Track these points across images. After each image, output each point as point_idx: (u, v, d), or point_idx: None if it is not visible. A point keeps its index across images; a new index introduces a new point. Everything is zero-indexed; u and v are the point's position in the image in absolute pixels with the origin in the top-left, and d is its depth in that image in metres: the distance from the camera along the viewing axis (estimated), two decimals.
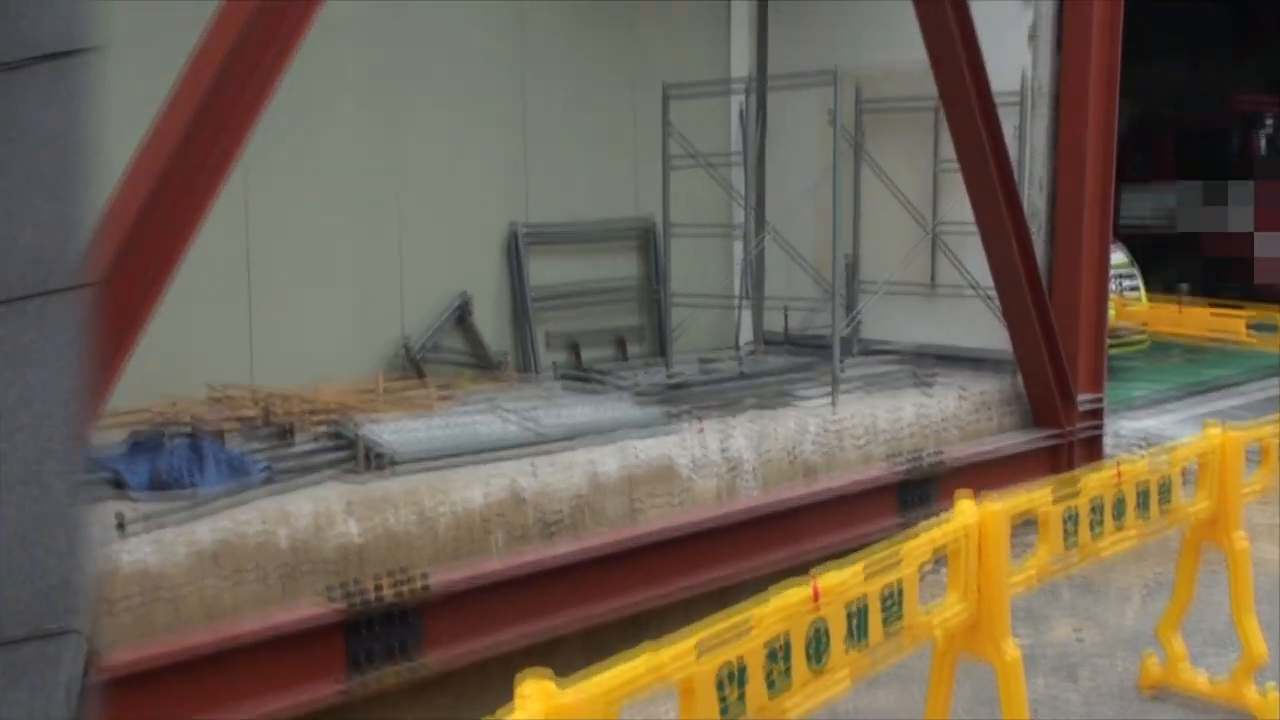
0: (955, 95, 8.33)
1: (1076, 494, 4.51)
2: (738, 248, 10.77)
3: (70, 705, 2.00)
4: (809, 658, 3.14)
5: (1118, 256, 12.57)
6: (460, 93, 9.21)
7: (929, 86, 8.64)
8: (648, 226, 10.39)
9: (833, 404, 8.60)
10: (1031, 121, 9.50)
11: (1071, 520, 4.47)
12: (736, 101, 10.65)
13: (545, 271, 9.78)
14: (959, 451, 8.61)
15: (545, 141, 9.76)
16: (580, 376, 9.31)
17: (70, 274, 2.51)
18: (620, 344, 10.27)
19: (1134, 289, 13.80)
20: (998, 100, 8.54)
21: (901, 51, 9.05)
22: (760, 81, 10.77)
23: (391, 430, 6.98)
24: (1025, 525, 4.41)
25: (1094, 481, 4.64)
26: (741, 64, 11.00)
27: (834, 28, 10.44)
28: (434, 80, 9.02)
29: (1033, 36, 9.48)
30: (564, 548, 6.42)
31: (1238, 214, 17.71)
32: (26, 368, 2.41)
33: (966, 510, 3.94)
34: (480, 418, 7.58)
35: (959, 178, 8.86)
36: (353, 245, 8.67)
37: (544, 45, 9.73)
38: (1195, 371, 13.61)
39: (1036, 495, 4.36)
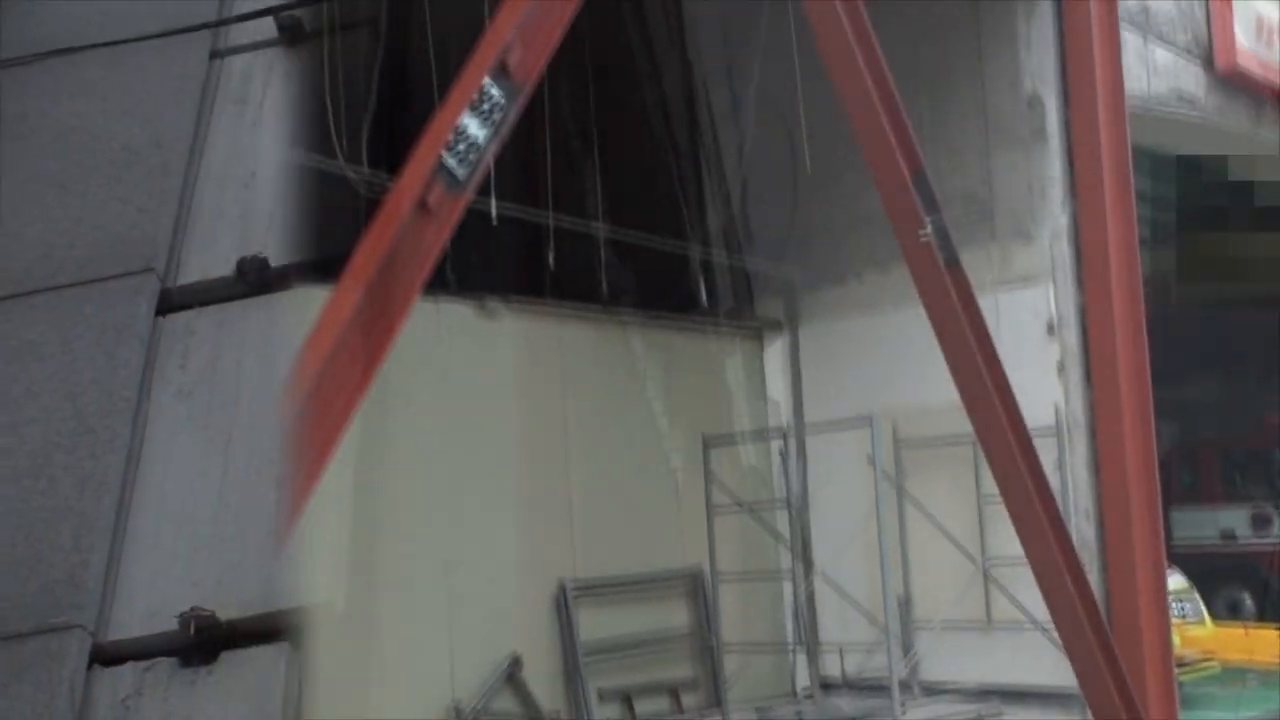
0: (991, 433, 8.43)
1: None
2: (788, 590, 10.69)
3: (74, 700, 1.89)
4: None
5: (1175, 580, 12.35)
6: (502, 459, 9.43)
7: (965, 423, 8.77)
8: (695, 574, 10.37)
9: None
10: (1070, 452, 9.58)
11: None
12: (776, 444, 10.83)
13: (595, 626, 9.71)
14: None
15: (589, 497, 9.90)
16: None
17: (77, 269, 2.44)
18: (674, 695, 10.05)
19: (1196, 614, 13.48)
20: (1034, 434, 8.64)
21: (934, 390, 9.23)
22: (798, 426, 10.99)
23: None
24: None
25: None
26: (778, 405, 11.26)
27: (866, 369, 10.71)
28: (474, 447, 9.25)
29: (1061, 370, 9.69)
30: None
31: None
32: (33, 361, 2.34)
33: None
34: None
35: (1004, 509, 8.85)
36: (400, 613, 8.67)
37: (584, 403, 10.03)
38: (1273, 697, 13.08)
39: None
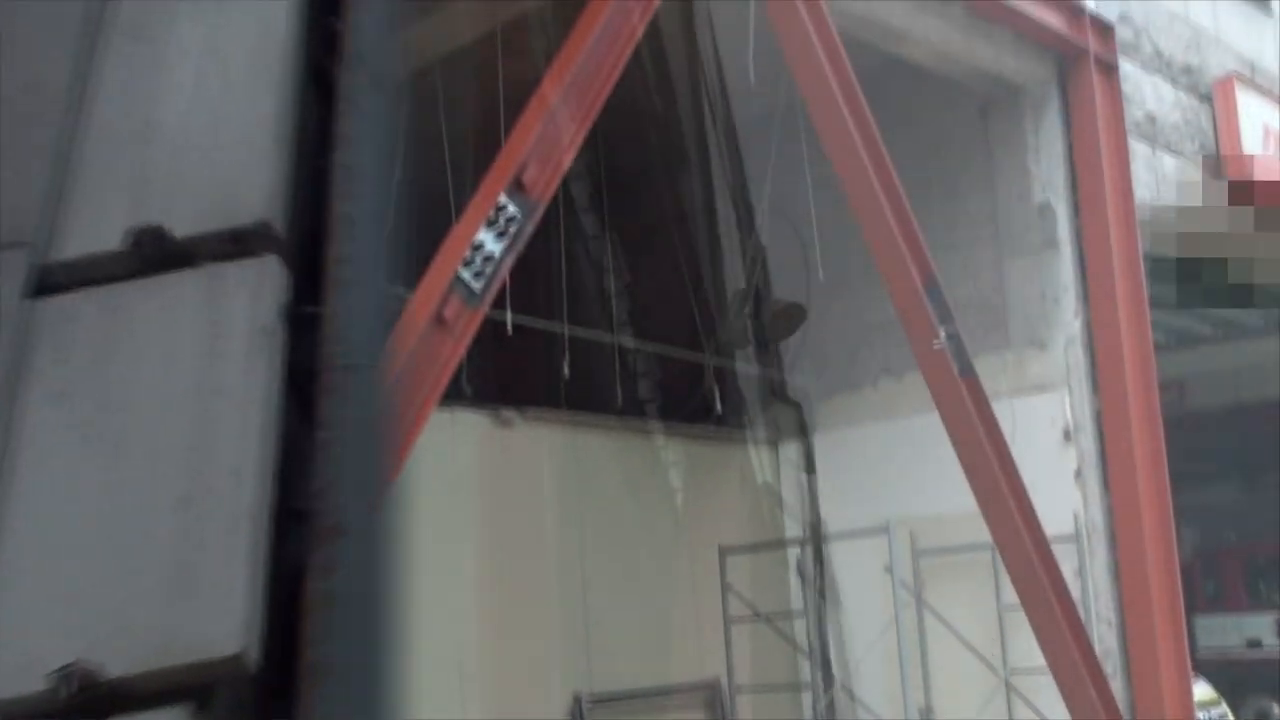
0: (1009, 541, 8.39)
1: None
2: (807, 701, 10.54)
3: None
4: None
5: (1201, 690, 12.13)
6: (517, 568, 9.38)
7: (983, 531, 8.71)
8: (713, 686, 10.23)
9: None
10: (1091, 560, 9.49)
11: None
12: (793, 553, 10.76)
13: None
14: None
15: (605, 608, 9.81)
16: None
17: None
18: None
19: None
20: (1054, 541, 8.58)
21: (951, 498, 9.20)
22: (815, 535, 10.92)
23: None
24: None
25: None
26: (794, 517, 11.20)
27: (882, 477, 10.68)
28: (489, 556, 9.22)
29: (1079, 476, 9.65)
30: None
31: None
32: None
33: None
34: None
35: (1025, 618, 8.75)
36: None
37: (599, 512, 9.99)
38: None
39: None
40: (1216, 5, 12.47)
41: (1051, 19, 9.73)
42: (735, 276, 11.14)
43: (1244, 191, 10.58)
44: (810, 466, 11.36)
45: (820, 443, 11.35)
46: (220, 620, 1.54)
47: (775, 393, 11.31)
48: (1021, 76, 9.99)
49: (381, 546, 1.59)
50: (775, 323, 10.87)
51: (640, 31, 6.72)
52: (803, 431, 11.40)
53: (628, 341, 10.42)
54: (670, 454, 10.64)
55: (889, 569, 8.97)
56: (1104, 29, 10.18)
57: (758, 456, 11.29)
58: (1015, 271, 10.06)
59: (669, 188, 11.03)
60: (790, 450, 11.44)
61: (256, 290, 1.78)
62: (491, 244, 5.83)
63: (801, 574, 10.58)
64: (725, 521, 10.62)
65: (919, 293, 7.83)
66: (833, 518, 10.90)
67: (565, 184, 9.10)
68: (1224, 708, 13.44)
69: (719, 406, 10.97)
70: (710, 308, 11.22)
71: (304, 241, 1.79)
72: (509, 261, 6.01)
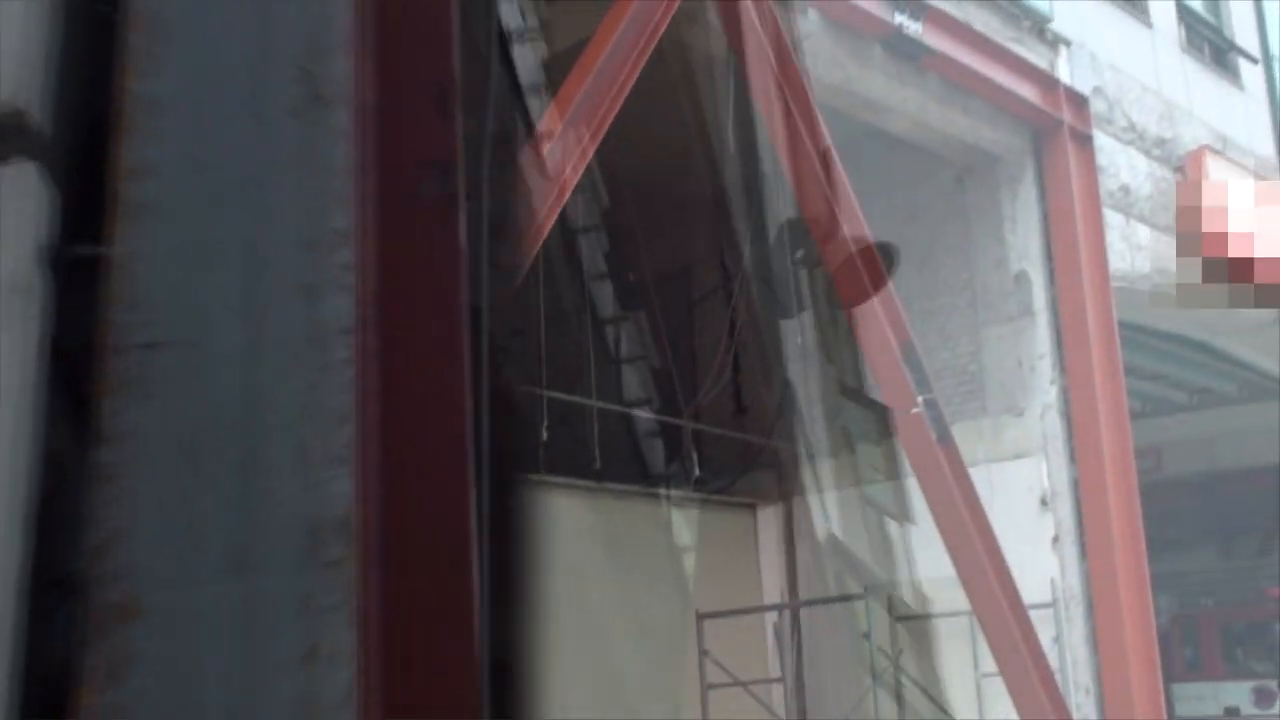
0: (987, 608, 8.39)
1: None
2: None
3: None
4: None
5: None
6: None
7: (961, 598, 8.71)
8: None
9: None
10: (1068, 627, 9.49)
11: None
12: (771, 619, 10.70)
13: None
14: None
15: (580, 674, 9.72)
16: None
17: None
18: None
19: None
20: (1031, 608, 8.58)
21: (929, 565, 9.20)
22: (793, 601, 10.88)
23: None
24: None
25: None
26: (773, 580, 11.15)
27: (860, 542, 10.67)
28: None
29: (1056, 542, 9.67)
30: None
31: None
32: None
33: None
34: None
35: (1003, 685, 8.73)
36: None
37: (574, 577, 9.93)
38: None
39: None
40: (1189, 79, 12.69)
41: (1026, 91, 9.89)
42: (713, 340, 11.17)
43: (1218, 269, 10.69)
44: (788, 531, 11.33)
45: (798, 507, 11.34)
46: None
47: (753, 458, 11.26)
48: (998, 147, 10.13)
49: (208, 632, 0.99)
50: None
51: (636, 74, 6.73)
52: (781, 496, 11.38)
53: (607, 404, 10.41)
54: (648, 519, 10.61)
55: (867, 635, 8.94)
56: (1078, 101, 10.34)
57: (735, 522, 11.26)
58: (992, 339, 10.13)
59: (648, 249, 11.06)
60: (769, 514, 11.41)
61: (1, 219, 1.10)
62: None
63: (778, 637, 10.53)
64: (703, 586, 10.56)
65: (896, 359, 7.88)
66: (811, 576, 10.86)
67: (547, 246, 9.13)
68: None
69: (698, 470, 10.95)
70: (690, 369, 11.23)
71: (79, 141, 1.13)
72: None
